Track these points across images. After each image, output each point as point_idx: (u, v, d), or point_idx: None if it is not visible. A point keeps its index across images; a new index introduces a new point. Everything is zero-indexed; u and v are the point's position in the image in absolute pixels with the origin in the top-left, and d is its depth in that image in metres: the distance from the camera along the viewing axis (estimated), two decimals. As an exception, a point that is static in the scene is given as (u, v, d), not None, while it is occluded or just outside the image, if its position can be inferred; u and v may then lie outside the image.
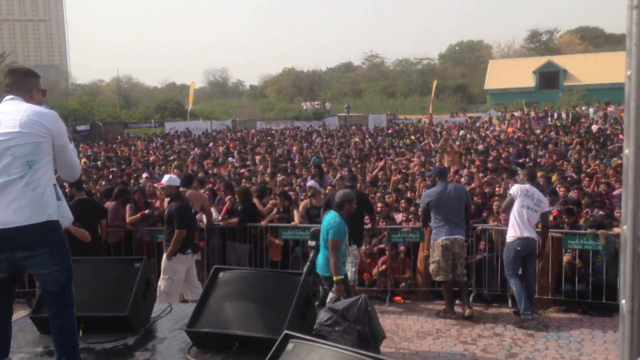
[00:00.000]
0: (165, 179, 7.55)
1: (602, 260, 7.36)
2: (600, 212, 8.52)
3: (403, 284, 8.39)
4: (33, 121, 3.35)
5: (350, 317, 4.34)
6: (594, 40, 74.34)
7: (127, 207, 8.78)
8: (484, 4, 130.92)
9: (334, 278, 6.18)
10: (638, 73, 2.69)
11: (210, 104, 62.17)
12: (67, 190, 8.29)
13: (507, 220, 7.57)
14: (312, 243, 7.12)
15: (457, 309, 7.51)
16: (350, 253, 7.79)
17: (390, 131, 32.61)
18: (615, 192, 10.14)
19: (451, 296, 7.51)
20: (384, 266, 8.40)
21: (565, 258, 7.60)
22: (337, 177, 11.30)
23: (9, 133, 3.30)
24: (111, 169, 16.87)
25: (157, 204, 9.36)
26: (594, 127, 29.24)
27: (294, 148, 22.47)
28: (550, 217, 7.90)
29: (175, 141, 29.43)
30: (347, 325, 4.24)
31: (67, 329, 3.45)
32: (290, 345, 3.02)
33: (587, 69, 54.70)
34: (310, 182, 9.67)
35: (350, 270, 7.78)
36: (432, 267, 7.54)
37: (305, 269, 6.93)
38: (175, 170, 15.10)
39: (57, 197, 3.42)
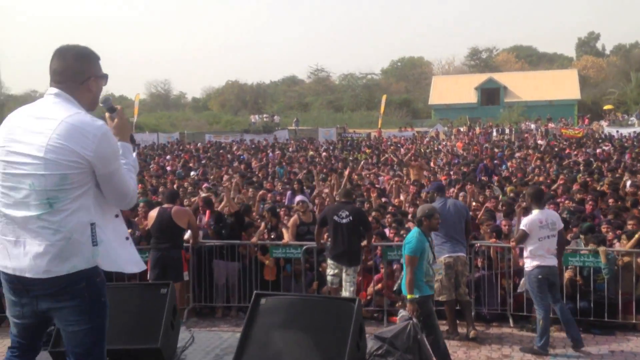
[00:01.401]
0: None
1: (603, 278, 7.35)
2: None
3: (399, 303, 8.14)
4: (63, 145, 2.53)
5: (400, 345, 4.06)
6: (528, 58, 77.52)
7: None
8: (423, 22, 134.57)
9: (408, 296, 5.85)
10: None
11: (155, 116, 60.68)
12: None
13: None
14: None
15: (460, 329, 7.33)
16: (348, 273, 7.55)
17: (342, 144, 32.66)
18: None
19: (454, 316, 7.32)
20: (379, 285, 8.14)
21: (567, 275, 7.55)
22: (316, 192, 10.99)
23: (30, 156, 2.54)
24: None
25: (142, 222, 8.78)
26: (541, 142, 30.20)
27: (253, 162, 22.02)
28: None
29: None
30: (399, 355, 3.96)
31: None
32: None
33: (525, 86, 56.91)
34: (300, 197, 9.34)
35: (348, 290, 7.51)
36: (435, 286, 7.33)
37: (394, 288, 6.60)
38: (139, 185, 14.55)
39: (93, 241, 2.64)
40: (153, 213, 7.67)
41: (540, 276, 6.62)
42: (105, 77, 2.81)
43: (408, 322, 4.23)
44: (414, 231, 6.12)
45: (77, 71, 2.70)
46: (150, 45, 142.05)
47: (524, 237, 6.71)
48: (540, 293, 6.66)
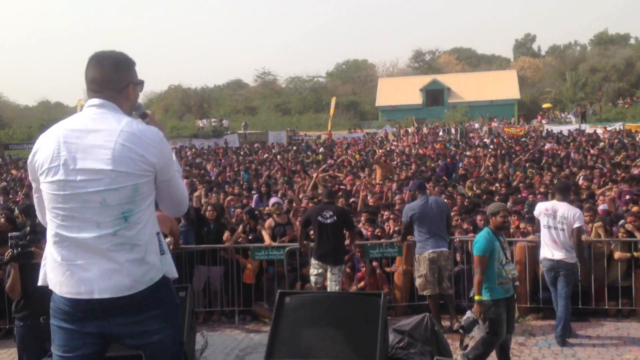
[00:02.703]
0: None
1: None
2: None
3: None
4: (131, 154, 2.43)
5: (419, 337, 4.17)
6: (468, 60, 79.74)
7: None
8: (366, 25, 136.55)
9: (475, 297, 5.65)
10: None
11: (97, 122, 59.03)
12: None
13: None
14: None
15: (443, 322, 7.52)
16: (333, 272, 7.63)
17: (295, 148, 32.73)
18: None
19: (438, 309, 7.51)
20: (362, 283, 8.26)
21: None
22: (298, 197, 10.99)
23: (97, 171, 2.41)
24: (18, 192, 15.42)
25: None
26: (487, 141, 31.17)
27: (209, 166, 21.82)
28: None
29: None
30: (419, 346, 4.07)
31: None
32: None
33: (467, 87, 58.61)
34: (275, 199, 9.36)
35: (333, 289, 7.58)
36: (418, 281, 7.50)
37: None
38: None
39: (160, 250, 2.62)
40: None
41: (545, 268, 6.85)
42: (141, 83, 2.72)
43: (424, 315, 4.35)
44: (484, 230, 5.86)
45: (116, 79, 2.58)
46: (87, 49, 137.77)
47: (536, 222, 7.06)
48: (549, 284, 6.91)
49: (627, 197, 9.63)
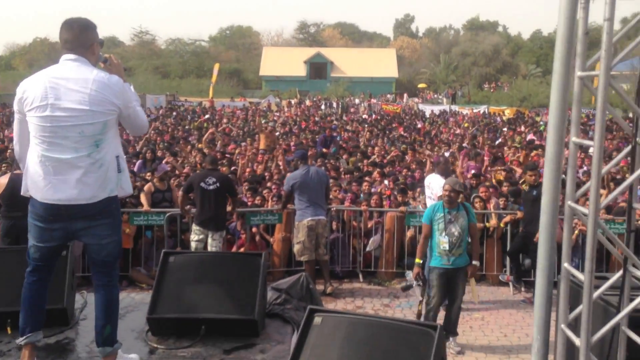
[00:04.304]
0: None
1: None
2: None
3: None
4: (102, 97, 3.18)
5: (295, 294, 4.47)
6: (351, 35, 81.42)
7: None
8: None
9: (416, 260, 6.24)
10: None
11: (-52, 74, 53.69)
12: None
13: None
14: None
15: (318, 286, 7.97)
16: (214, 237, 7.79)
17: (175, 114, 31.85)
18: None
19: (314, 274, 7.92)
20: (242, 249, 8.49)
21: (409, 234, 8.55)
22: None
23: (78, 110, 3.14)
24: None
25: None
26: (366, 116, 32.37)
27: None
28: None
29: None
30: (295, 302, 4.39)
31: (115, 299, 3.46)
32: (318, 319, 3.12)
33: (349, 63, 59.92)
34: (164, 165, 9.28)
35: (213, 254, 7.76)
36: (297, 247, 7.86)
37: None
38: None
39: (118, 169, 3.33)
40: (3, 180, 7.19)
41: None
42: (102, 42, 3.42)
43: (301, 274, 4.66)
44: (437, 202, 6.45)
45: (83, 39, 3.27)
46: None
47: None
48: None
49: (473, 171, 10.68)
